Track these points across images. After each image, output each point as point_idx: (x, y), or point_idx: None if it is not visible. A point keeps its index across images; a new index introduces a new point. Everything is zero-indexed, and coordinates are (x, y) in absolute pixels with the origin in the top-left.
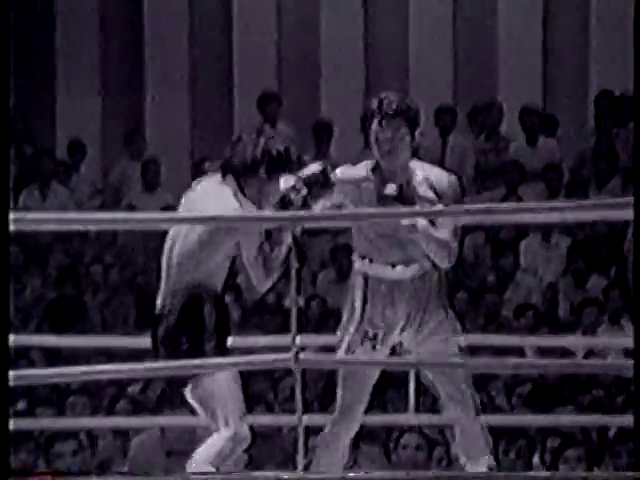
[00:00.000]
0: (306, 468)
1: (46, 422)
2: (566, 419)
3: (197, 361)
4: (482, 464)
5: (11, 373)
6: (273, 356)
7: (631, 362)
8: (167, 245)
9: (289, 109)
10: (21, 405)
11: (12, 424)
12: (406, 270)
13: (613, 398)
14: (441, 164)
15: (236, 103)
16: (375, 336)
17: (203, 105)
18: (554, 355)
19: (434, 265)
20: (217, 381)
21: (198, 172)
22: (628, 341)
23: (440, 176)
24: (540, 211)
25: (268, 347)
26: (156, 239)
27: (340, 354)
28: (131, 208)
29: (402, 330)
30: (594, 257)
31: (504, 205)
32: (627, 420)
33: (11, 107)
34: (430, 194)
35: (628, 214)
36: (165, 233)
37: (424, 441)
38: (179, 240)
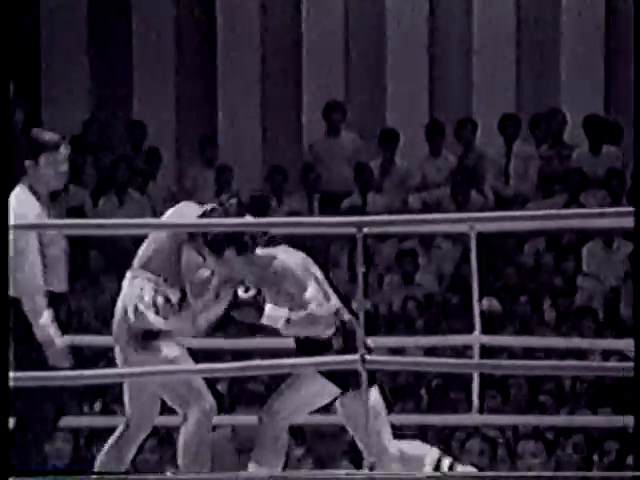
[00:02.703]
0: (371, 468)
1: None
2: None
3: (257, 362)
4: None
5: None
6: (340, 357)
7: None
8: None
9: (356, 117)
10: (97, 405)
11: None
12: None
13: None
14: (506, 171)
15: (304, 112)
16: None
17: (273, 114)
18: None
19: None
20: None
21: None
22: (629, 343)
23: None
24: (601, 217)
25: None
26: None
27: None
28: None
29: None
30: None
31: (566, 211)
32: (627, 420)
33: (90, 117)
34: None
35: None
36: None
37: (487, 445)
38: None
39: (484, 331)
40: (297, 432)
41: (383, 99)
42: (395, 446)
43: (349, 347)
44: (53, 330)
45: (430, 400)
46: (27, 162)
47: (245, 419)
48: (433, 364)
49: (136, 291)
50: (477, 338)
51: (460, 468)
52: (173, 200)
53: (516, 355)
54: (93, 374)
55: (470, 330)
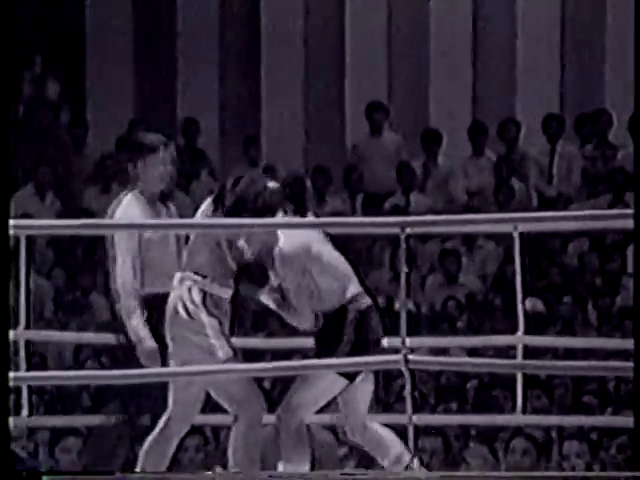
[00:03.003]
0: (408, 466)
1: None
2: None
3: (302, 362)
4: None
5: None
6: (384, 357)
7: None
8: None
9: (398, 117)
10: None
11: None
12: None
13: None
14: (549, 171)
15: (347, 112)
16: None
17: (316, 115)
18: None
19: None
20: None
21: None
22: (628, 343)
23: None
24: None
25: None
26: None
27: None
28: None
29: None
30: None
31: (610, 211)
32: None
33: (134, 118)
34: None
35: None
36: None
37: (532, 445)
38: None
39: (527, 332)
40: (339, 431)
41: (426, 99)
42: (374, 426)
43: (362, 337)
44: (144, 332)
45: (474, 400)
46: (132, 166)
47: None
48: (475, 364)
49: (185, 293)
50: (520, 339)
51: (416, 465)
52: None
53: (560, 355)
54: (109, 374)
55: (513, 330)
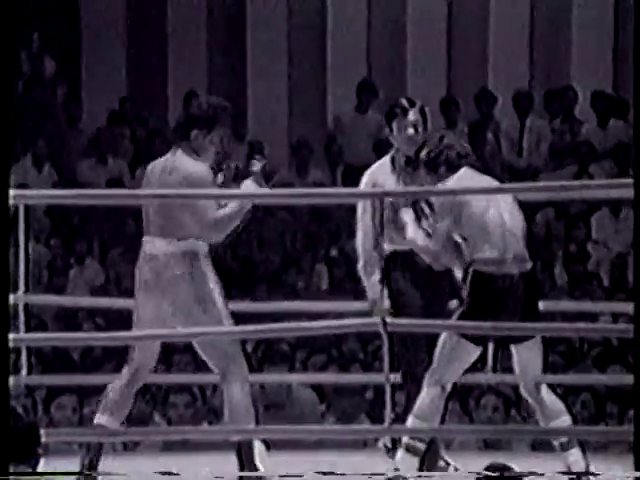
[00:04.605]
0: (393, 422)
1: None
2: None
3: (286, 325)
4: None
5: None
6: (363, 320)
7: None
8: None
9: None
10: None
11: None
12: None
13: None
14: (519, 145)
15: (329, 90)
16: None
17: (299, 93)
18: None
19: None
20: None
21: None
22: (625, 307)
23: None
24: (608, 187)
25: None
26: (258, 212)
27: None
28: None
29: None
30: None
31: (575, 182)
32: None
33: (126, 95)
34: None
35: None
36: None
37: (501, 402)
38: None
39: None
40: (320, 390)
41: (404, 74)
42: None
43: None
44: (377, 289)
45: None
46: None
47: (273, 377)
48: (449, 326)
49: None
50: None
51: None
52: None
53: None
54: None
55: None
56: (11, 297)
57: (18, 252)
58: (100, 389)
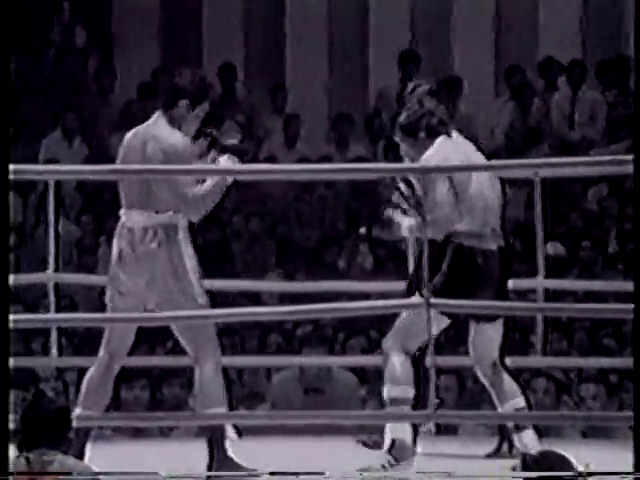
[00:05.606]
0: (438, 407)
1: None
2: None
3: (327, 305)
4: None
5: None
6: (407, 300)
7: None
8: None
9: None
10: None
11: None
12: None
13: None
14: (571, 117)
15: (370, 61)
16: None
17: (339, 64)
18: None
19: None
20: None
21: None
22: (626, 285)
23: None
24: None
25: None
26: (296, 189)
27: None
28: (271, 160)
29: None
30: None
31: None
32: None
33: (159, 66)
34: None
35: None
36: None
37: (552, 385)
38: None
39: (548, 275)
40: (360, 373)
41: (449, 47)
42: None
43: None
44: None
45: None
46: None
47: (312, 360)
48: (496, 307)
49: None
50: (540, 282)
51: None
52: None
53: (580, 299)
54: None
55: (534, 274)
56: (41, 276)
57: (48, 230)
58: (133, 371)
